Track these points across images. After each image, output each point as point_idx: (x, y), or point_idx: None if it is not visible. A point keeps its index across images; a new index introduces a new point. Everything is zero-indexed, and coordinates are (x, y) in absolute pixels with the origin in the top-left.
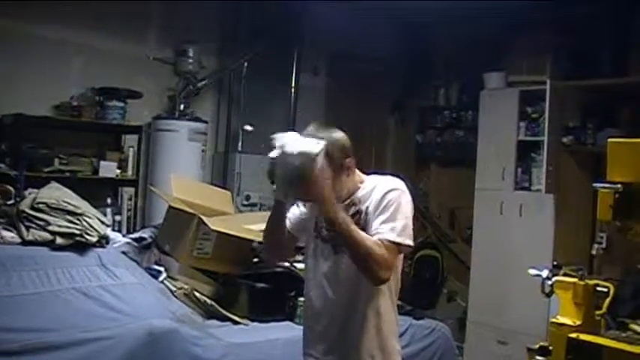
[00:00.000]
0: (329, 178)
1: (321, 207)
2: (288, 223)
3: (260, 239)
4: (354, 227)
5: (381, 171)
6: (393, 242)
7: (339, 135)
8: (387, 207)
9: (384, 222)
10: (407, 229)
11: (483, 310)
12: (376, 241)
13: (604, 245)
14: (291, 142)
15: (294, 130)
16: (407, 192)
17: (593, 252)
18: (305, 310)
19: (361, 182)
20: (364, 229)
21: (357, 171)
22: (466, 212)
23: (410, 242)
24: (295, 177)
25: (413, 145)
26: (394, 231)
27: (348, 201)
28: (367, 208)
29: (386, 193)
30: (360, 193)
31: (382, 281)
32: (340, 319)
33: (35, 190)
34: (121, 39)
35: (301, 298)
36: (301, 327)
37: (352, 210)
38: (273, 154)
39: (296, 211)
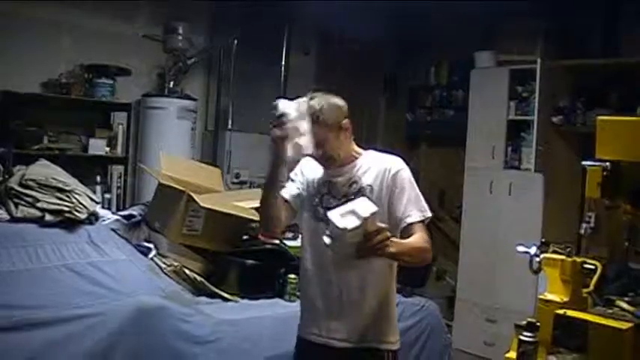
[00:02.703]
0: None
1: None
2: (287, 195)
3: (250, 217)
4: (404, 246)
5: (377, 148)
6: (424, 220)
7: (336, 99)
8: (403, 189)
9: (409, 205)
10: (424, 202)
11: (472, 288)
12: (419, 237)
13: (592, 225)
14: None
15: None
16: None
17: (582, 231)
18: (306, 289)
19: (358, 154)
20: None
21: (354, 143)
22: (456, 191)
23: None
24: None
25: (403, 124)
26: (421, 210)
27: (349, 178)
28: (371, 187)
29: (396, 175)
30: (359, 170)
31: (430, 259)
32: (349, 297)
33: (24, 167)
34: (110, 16)
35: (291, 275)
36: (290, 304)
37: (354, 187)
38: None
39: (295, 185)
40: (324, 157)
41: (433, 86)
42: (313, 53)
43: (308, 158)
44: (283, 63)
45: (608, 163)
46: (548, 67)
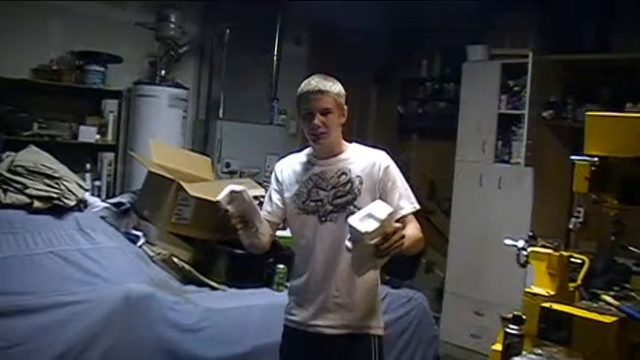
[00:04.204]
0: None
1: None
2: (269, 217)
3: None
4: (410, 239)
5: (362, 141)
6: (415, 211)
7: (340, 85)
8: (394, 183)
9: (401, 198)
10: (412, 194)
11: (461, 281)
12: (415, 228)
13: (581, 219)
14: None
15: (276, 98)
16: None
17: (571, 226)
18: (296, 279)
19: (345, 146)
20: (356, 197)
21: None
22: (446, 184)
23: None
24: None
25: (395, 116)
26: (411, 202)
27: (338, 169)
28: (360, 178)
29: (387, 169)
30: (346, 161)
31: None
32: (338, 288)
33: (13, 154)
34: (102, 2)
35: (280, 265)
36: (278, 293)
37: (343, 178)
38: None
39: (274, 198)
40: (319, 129)
41: (425, 78)
42: (306, 43)
43: (282, 162)
44: (275, 52)
45: (596, 159)
46: (539, 62)
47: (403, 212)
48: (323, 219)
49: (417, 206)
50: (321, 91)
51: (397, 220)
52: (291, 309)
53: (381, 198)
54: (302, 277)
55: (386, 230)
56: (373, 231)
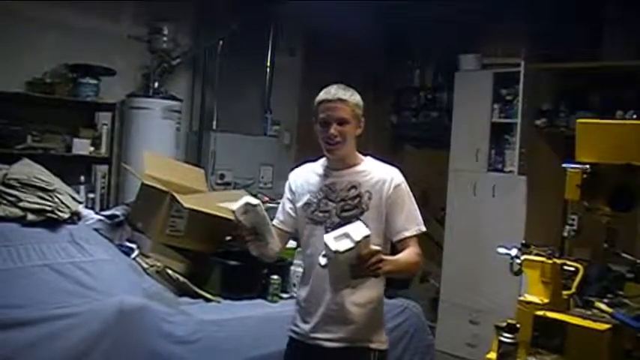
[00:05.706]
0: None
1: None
2: (282, 225)
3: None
4: (397, 263)
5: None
6: (419, 234)
7: (359, 96)
8: (404, 202)
9: (407, 219)
10: (420, 216)
11: (456, 290)
12: (412, 252)
13: (575, 227)
14: (332, 241)
15: (269, 110)
16: None
17: (565, 234)
18: (301, 290)
19: (360, 160)
20: (363, 212)
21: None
22: (440, 193)
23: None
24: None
25: (387, 126)
26: (417, 224)
27: (349, 182)
28: (370, 194)
29: (398, 187)
30: (359, 175)
31: (418, 271)
32: (342, 300)
33: (6, 166)
34: (95, 16)
35: (274, 276)
36: (273, 305)
37: (352, 192)
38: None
39: (287, 207)
40: (335, 138)
41: (418, 88)
42: (299, 54)
43: (296, 171)
44: (269, 63)
45: (587, 166)
46: (531, 70)
47: (407, 234)
48: (329, 230)
49: (423, 228)
50: (340, 100)
51: (399, 241)
52: (295, 320)
53: (387, 215)
54: (306, 286)
55: (361, 252)
56: (345, 251)
